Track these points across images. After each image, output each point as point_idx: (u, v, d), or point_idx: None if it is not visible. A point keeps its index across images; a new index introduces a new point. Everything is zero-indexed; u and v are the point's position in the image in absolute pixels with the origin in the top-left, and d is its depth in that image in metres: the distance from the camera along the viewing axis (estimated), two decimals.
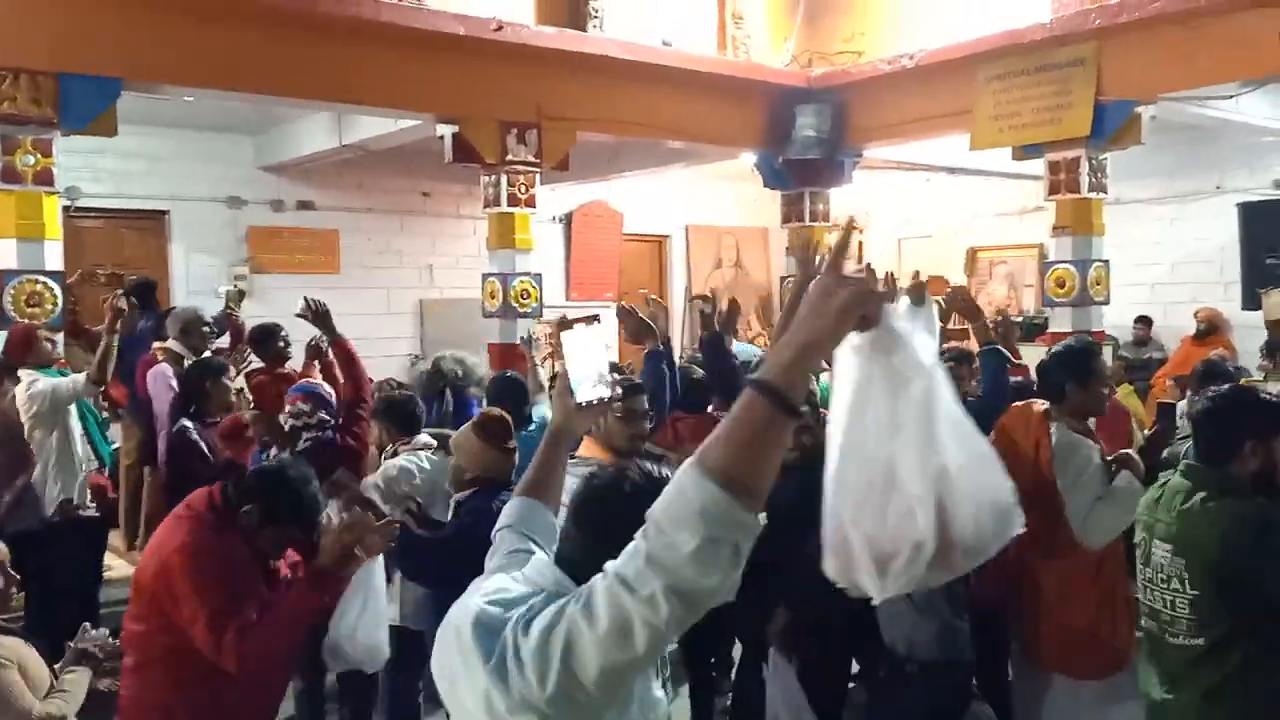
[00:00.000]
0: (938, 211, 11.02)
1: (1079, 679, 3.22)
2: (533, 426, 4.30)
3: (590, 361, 1.83)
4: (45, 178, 5.15)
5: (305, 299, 4.35)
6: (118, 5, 5.30)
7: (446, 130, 6.67)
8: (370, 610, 3.24)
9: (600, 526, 1.53)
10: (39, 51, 5.10)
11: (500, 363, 6.82)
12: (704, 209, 11.95)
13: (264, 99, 6.28)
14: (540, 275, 7.03)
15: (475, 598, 1.53)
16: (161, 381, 5.12)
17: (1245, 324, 8.02)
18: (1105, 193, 6.53)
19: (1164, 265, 9.12)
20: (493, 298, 6.93)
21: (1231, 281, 8.59)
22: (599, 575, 1.36)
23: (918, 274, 3.19)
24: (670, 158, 8.98)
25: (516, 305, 6.84)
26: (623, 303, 3.99)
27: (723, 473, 1.25)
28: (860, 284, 1.31)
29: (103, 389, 4.86)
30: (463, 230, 10.48)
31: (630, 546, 1.32)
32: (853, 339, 1.37)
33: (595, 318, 1.93)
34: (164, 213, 8.83)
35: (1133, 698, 3.06)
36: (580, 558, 1.52)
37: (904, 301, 1.87)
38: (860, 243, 11.79)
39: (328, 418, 3.89)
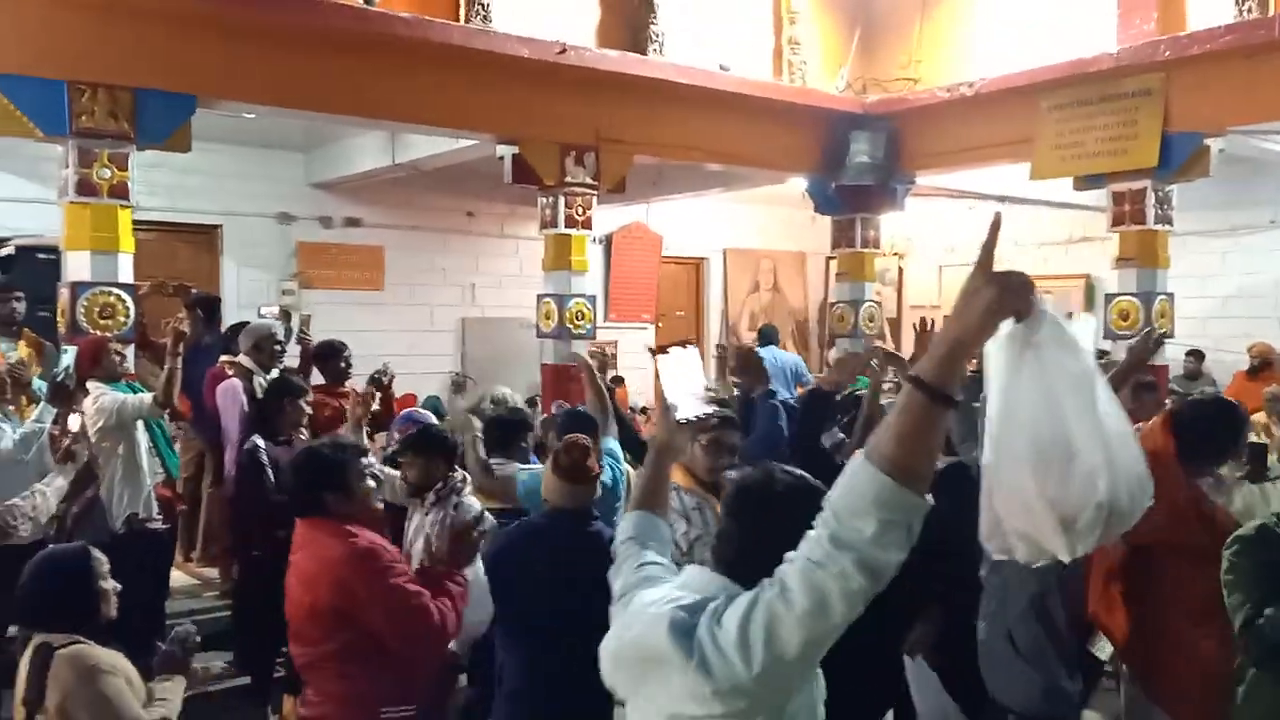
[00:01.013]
0: (979, 240, 10.94)
1: None
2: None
3: (687, 382, 1.97)
4: (120, 191, 5.19)
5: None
6: (195, 24, 5.35)
7: (506, 151, 6.69)
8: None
9: (758, 526, 1.70)
10: (117, 66, 5.15)
11: (554, 384, 6.82)
12: (742, 232, 11.96)
13: (331, 118, 6.35)
14: (595, 297, 7.03)
15: (649, 609, 1.68)
16: (231, 397, 5.11)
17: None
18: (1171, 225, 6.48)
19: (1216, 299, 9.04)
20: (548, 319, 6.92)
21: None
22: (786, 565, 1.51)
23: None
24: (711, 181, 9.01)
25: (571, 327, 6.83)
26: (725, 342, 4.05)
27: (891, 463, 1.42)
28: (1006, 282, 1.44)
29: (167, 410, 4.87)
30: (505, 250, 10.52)
31: (812, 535, 1.48)
32: (1007, 326, 1.51)
33: (689, 341, 2.10)
34: (216, 227, 8.90)
35: None
36: (737, 557, 1.70)
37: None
38: (901, 269, 11.78)
39: None
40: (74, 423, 3.87)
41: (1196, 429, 3.07)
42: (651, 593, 1.76)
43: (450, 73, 6.17)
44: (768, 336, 8.77)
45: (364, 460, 2.80)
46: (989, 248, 1.51)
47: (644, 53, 6.87)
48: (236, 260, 8.98)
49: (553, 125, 6.60)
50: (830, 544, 1.44)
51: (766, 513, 1.71)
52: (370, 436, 5.20)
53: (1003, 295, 1.44)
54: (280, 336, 5.47)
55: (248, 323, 5.94)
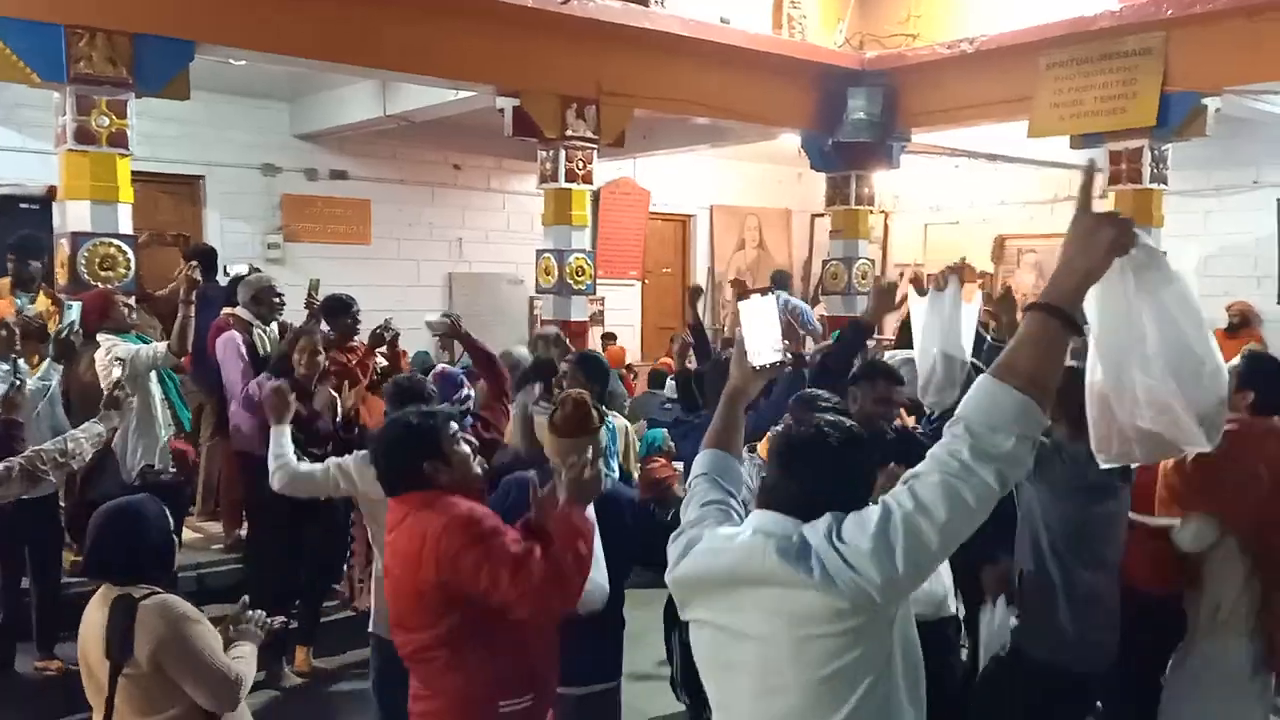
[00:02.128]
0: (965, 198, 11.04)
1: None
2: None
3: (765, 328, 2.00)
4: (119, 140, 5.07)
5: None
6: None
7: (507, 104, 6.60)
8: None
9: (817, 477, 1.81)
10: (114, 10, 5.01)
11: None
12: (728, 189, 11.93)
13: (330, 66, 6.20)
14: (593, 253, 7.00)
15: (736, 540, 1.79)
16: (231, 349, 5.02)
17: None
18: (1166, 184, 6.56)
19: (1196, 258, 9.18)
20: (547, 274, 6.89)
21: (1265, 275, 8.67)
22: (914, 482, 1.64)
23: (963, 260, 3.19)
24: (700, 137, 8.96)
25: (571, 282, 6.81)
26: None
27: (1030, 382, 1.58)
28: (1119, 221, 1.62)
29: (182, 359, 4.80)
30: (493, 204, 10.42)
31: (942, 452, 1.62)
32: (1118, 262, 1.70)
33: (770, 289, 2.08)
34: (198, 178, 8.72)
35: None
36: (794, 506, 1.79)
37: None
38: (886, 227, 11.83)
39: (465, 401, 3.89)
40: (116, 371, 3.81)
41: (1274, 382, 3.14)
42: (728, 529, 1.86)
43: (451, 21, 6.06)
44: (780, 282, 8.78)
45: (454, 425, 2.58)
46: (1087, 191, 1.68)
47: (645, 4, 6.79)
48: (220, 212, 8.81)
49: (554, 77, 6.52)
50: (971, 456, 1.58)
51: (822, 465, 1.82)
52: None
53: (1122, 233, 1.63)
54: (280, 290, 5.39)
55: (246, 275, 5.85)
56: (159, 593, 2.45)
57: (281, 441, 3.59)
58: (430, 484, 2.46)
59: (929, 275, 3.25)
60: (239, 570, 5.36)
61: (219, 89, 8.17)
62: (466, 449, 2.55)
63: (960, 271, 2.96)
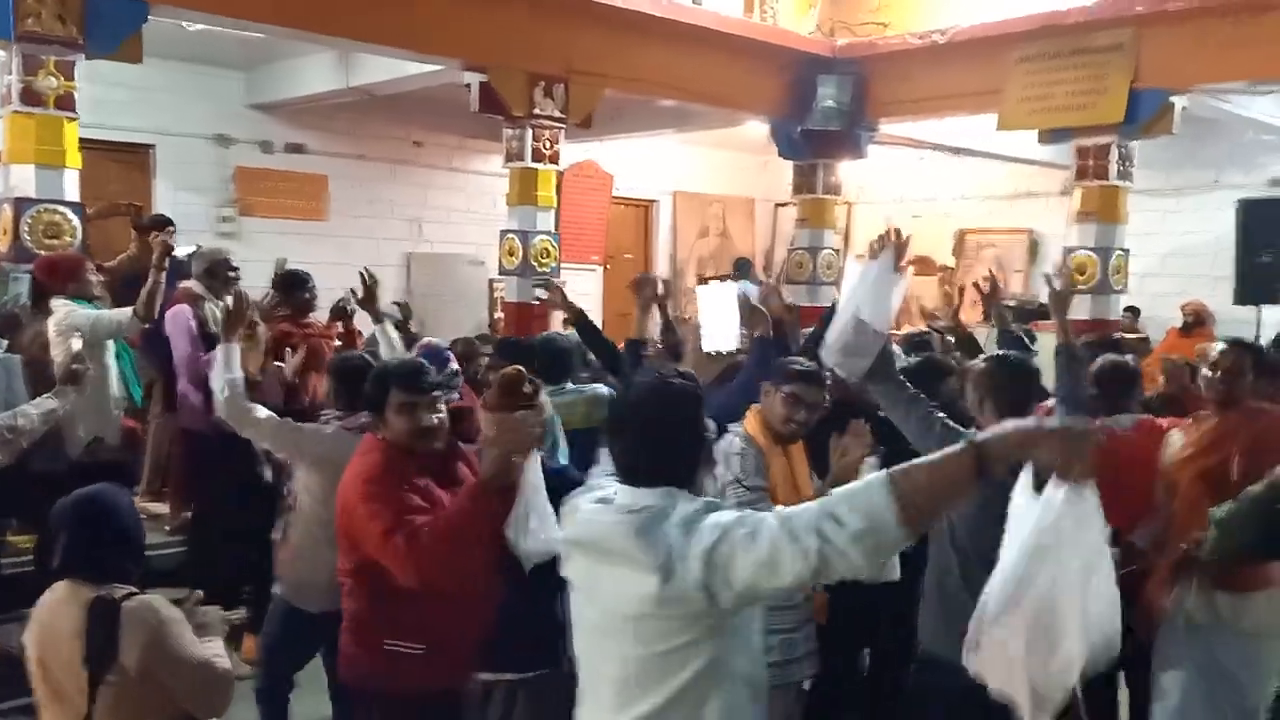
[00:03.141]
0: (927, 191, 11.08)
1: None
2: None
3: (722, 316, 2.02)
4: (67, 103, 4.85)
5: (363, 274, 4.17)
6: None
7: (474, 79, 6.44)
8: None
9: (640, 432, 1.86)
10: None
11: (518, 322, 6.67)
12: (692, 176, 11.84)
13: (289, 33, 5.99)
14: (559, 235, 6.87)
15: (606, 515, 1.82)
16: (180, 323, 4.82)
17: (1236, 319, 8.21)
18: (1131, 181, 6.60)
19: (1154, 257, 9.28)
20: (511, 255, 6.75)
21: (1221, 276, 8.76)
22: (771, 516, 1.67)
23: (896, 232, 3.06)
24: (665, 121, 8.86)
25: (536, 264, 6.68)
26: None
27: (916, 514, 1.58)
28: (1086, 458, 1.61)
29: (147, 326, 4.59)
30: (454, 183, 10.24)
31: (808, 510, 1.63)
32: (1056, 481, 1.64)
33: (732, 276, 1.98)
34: (148, 147, 8.42)
35: None
36: (642, 464, 1.84)
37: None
38: (849, 217, 11.83)
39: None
40: (76, 343, 3.61)
41: None
42: (594, 499, 1.88)
43: None
44: (742, 270, 8.70)
45: (412, 394, 2.65)
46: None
47: None
48: (171, 183, 8.52)
49: (523, 54, 6.38)
50: (811, 528, 1.61)
51: (645, 430, 1.86)
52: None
53: (1090, 467, 1.62)
54: (236, 264, 5.19)
55: (200, 247, 5.64)
56: (137, 593, 2.28)
57: (231, 361, 3.46)
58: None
59: (870, 242, 3.15)
60: (185, 553, 5.17)
61: (172, 55, 7.88)
62: (405, 424, 2.61)
63: (898, 244, 2.82)
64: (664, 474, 1.81)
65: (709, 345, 1.69)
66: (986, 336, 5.34)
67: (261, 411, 3.48)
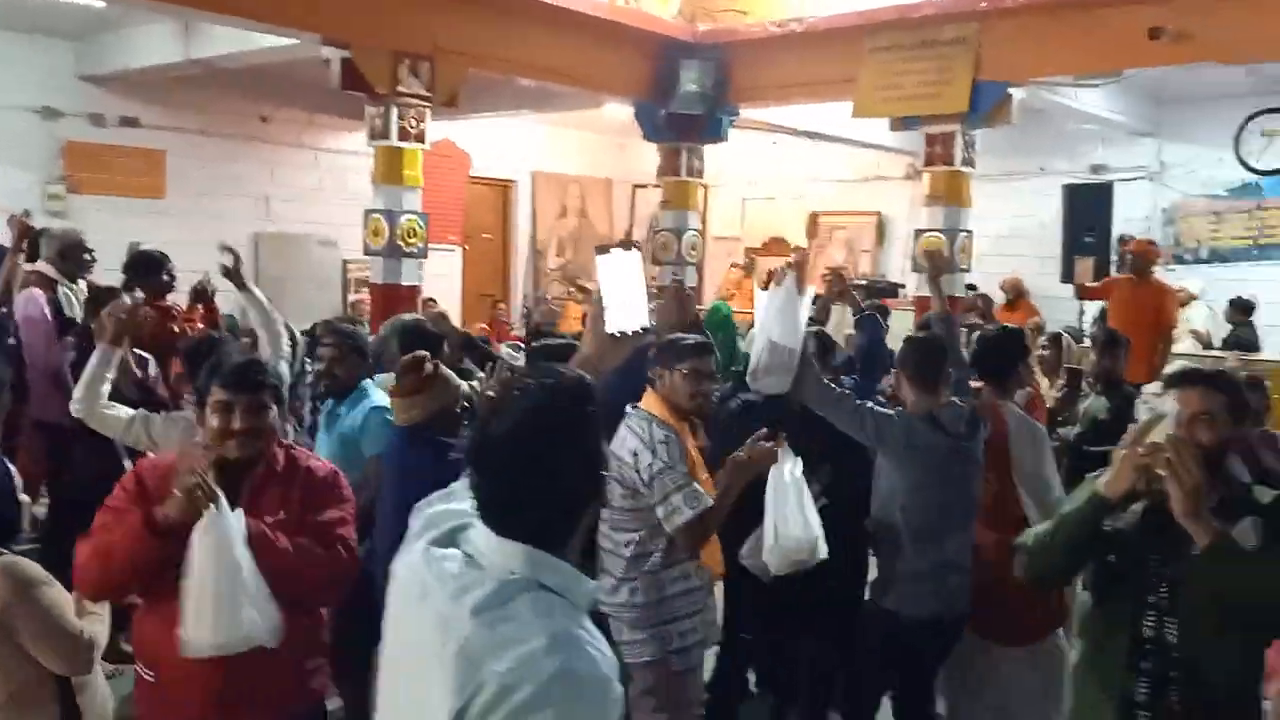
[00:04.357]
0: (781, 175, 11.42)
1: (1018, 644, 3.34)
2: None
3: (626, 290, 1.72)
4: None
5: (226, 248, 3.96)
6: None
7: (334, 55, 6.21)
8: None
9: (509, 460, 1.32)
10: None
11: (384, 305, 6.51)
12: (550, 156, 11.81)
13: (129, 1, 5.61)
14: (428, 215, 6.73)
15: (451, 584, 1.30)
16: (33, 307, 4.52)
17: (1063, 295, 8.87)
18: (974, 167, 7.02)
19: (989, 238, 9.89)
20: (376, 235, 6.57)
21: (1048, 256, 9.45)
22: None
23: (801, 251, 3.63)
24: (523, 101, 8.81)
25: (402, 244, 6.53)
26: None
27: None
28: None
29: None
30: (304, 161, 9.87)
31: None
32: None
33: (635, 244, 1.75)
34: None
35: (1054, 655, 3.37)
36: (503, 505, 1.32)
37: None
38: (706, 200, 12.06)
39: None
40: None
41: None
42: (453, 555, 1.35)
43: None
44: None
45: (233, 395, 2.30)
46: None
47: None
48: None
49: (387, 30, 6.20)
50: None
51: (519, 453, 1.33)
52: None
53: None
54: (90, 247, 4.87)
55: (49, 229, 5.25)
56: (5, 554, 2.36)
57: (108, 363, 3.32)
58: None
59: (770, 271, 3.42)
60: (37, 551, 4.83)
61: None
62: (214, 423, 2.28)
63: (799, 267, 3.09)
64: (528, 525, 1.30)
65: (614, 325, 1.56)
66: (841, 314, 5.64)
67: (122, 411, 3.40)
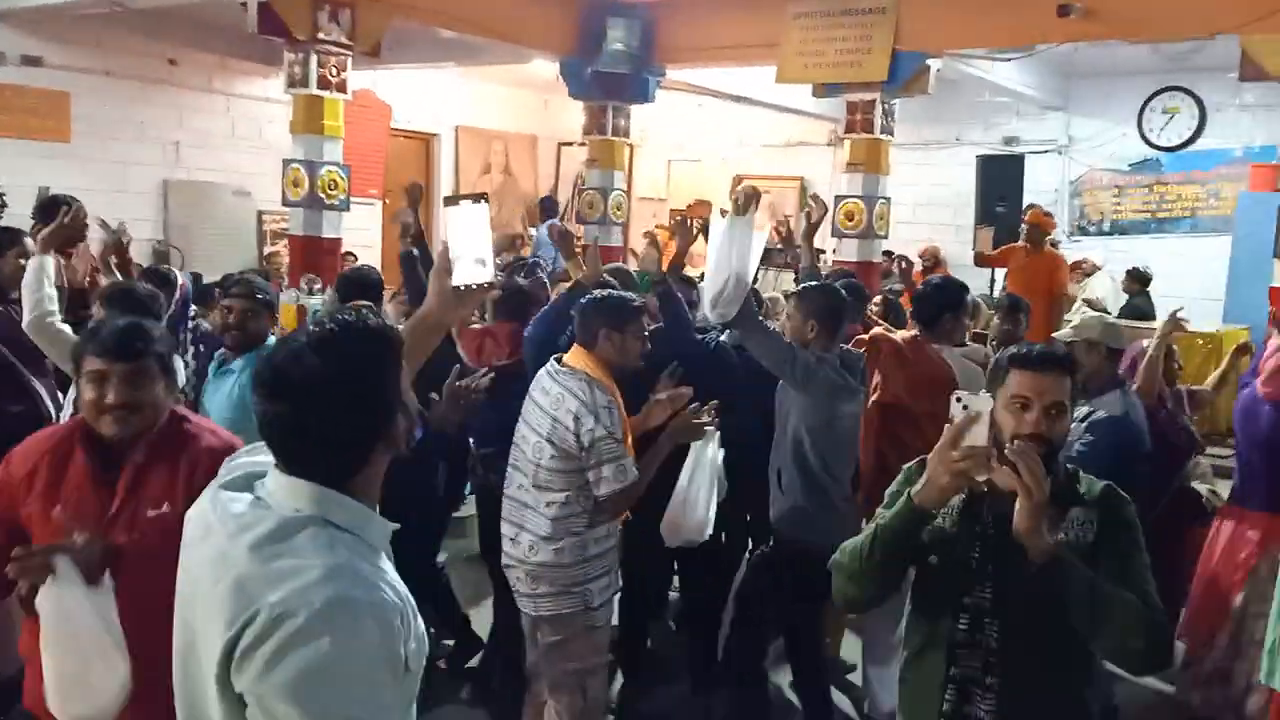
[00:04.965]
0: (706, 137, 11.47)
1: None
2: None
3: (473, 242, 1.69)
4: None
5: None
6: None
7: None
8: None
9: (300, 394, 1.31)
10: None
11: (304, 258, 6.41)
12: (474, 111, 11.64)
13: None
14: (349, 167, 6.61)
15: (244, 533, 1.29)
16: None
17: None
18: (893, 135, 7.16)
19: (907, 206, 10.14)
20: (296, 186, 6.44)
21: (964, 224, 9.74)
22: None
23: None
24: (445, 53, 8.65)
25: (324, 196, 6.41)
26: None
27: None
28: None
29: None
30: (215, 106, 9.54)
31: None
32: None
33: (484, 195, 1.69)
34: None
35: None
36: (293, 443, 1.33)
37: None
38: (631, 161, 12.05)
39: None
40: None
41: None
42: (241, 498, 1.35)
43: None
44: (550, 210, 8.65)
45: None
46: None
47: None
48: None
49: None
50: None
51: (310, 387, 1.31)
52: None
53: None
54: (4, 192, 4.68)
55: None
56: None
57: (46, 273, 3.34)
58: None
59: (733, 196, 3.43)
60: None
61: None
62: (87, 395, 2.04)
63: (757, 199, 3.21)
64: (313, 461, 1.31)
65: (459, 277, 1.51)
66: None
67: (71, 334, 3.31)
